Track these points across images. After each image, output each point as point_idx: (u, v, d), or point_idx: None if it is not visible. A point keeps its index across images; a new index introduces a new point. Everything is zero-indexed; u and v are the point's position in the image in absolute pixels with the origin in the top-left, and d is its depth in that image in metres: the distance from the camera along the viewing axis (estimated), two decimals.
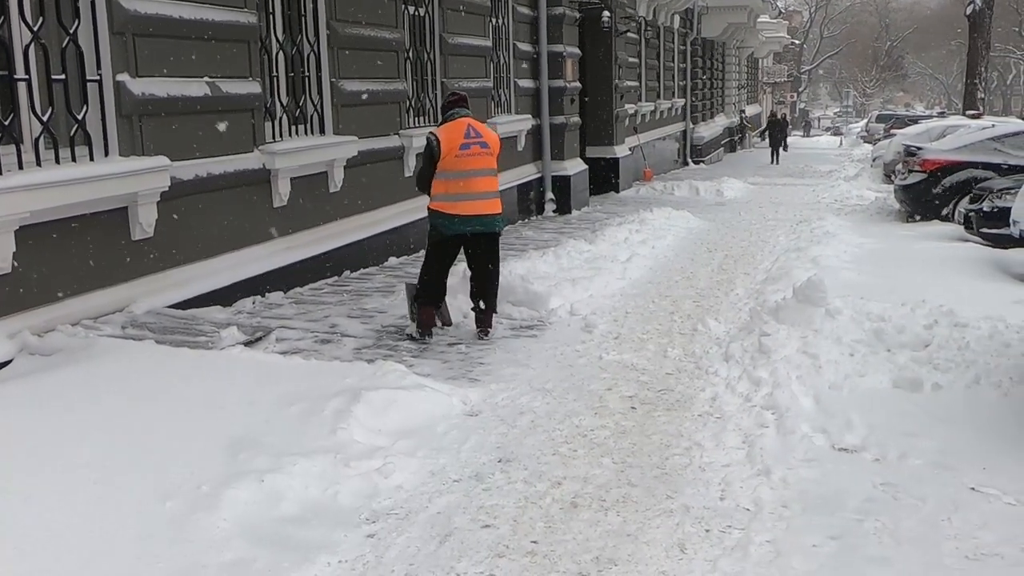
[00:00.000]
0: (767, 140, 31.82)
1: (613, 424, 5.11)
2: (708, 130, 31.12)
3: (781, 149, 31.00)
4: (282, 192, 8.29)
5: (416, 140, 10.62)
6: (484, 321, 6.92)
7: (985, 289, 8.18)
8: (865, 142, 41.44)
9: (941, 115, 37.30)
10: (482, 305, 6.91)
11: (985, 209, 11.58)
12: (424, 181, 6.84)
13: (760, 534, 3.78)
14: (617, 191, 18.13)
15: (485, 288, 6.91)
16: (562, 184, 15.28)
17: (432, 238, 6.87)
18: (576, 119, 16.00)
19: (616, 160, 18.18)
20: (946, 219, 13.60)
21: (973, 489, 4.23)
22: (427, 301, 6.83)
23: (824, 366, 5.84)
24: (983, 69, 28.14)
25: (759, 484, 4.26)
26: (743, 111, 41.29)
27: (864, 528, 3.85)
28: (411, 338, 6.76)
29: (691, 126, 28.79)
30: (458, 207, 6.68)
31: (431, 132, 6.82)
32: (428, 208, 6.86)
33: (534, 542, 3.74)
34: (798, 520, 3.92)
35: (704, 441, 4.84)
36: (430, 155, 6.71)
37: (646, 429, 5.04)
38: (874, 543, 3.73)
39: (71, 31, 6.18)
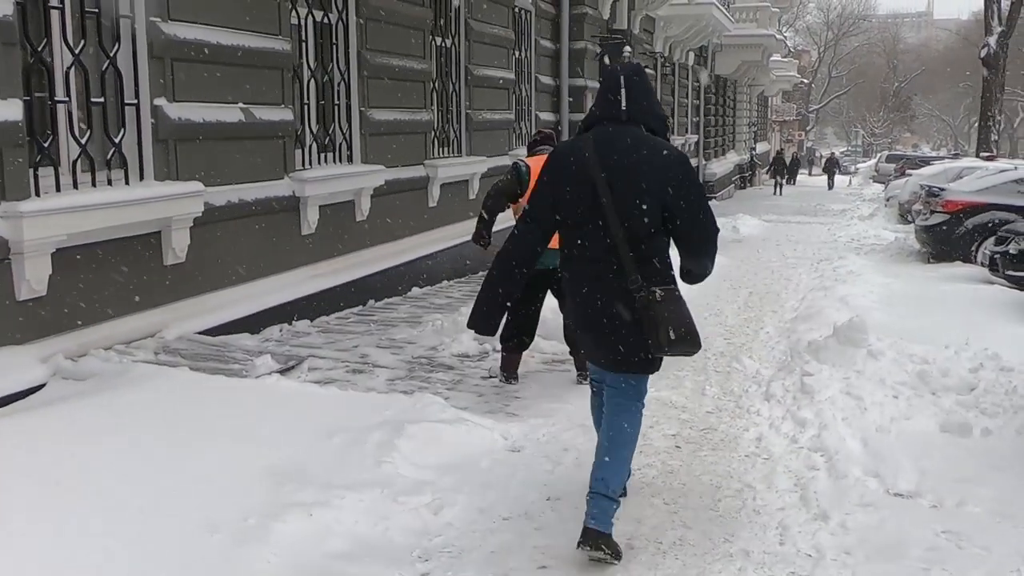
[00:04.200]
0: (771, 174, 37.11)
1: (660, 463, 4.99)
2: (720, 166, 31.19)
3: (786, 183, 36.73)
4: (311, 219, 8.23)
5: (440, 171, 10.63)
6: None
7: (1020, 333, 8.05)
8: (875, 182, 41.52)
9: (955, 156, 37.39)
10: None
11: (1011, 251, 11.49)
12: (497, 199, 6.34)
13: None
14: None
15: None
16: None
17: None
18: None
19: None
20: (967, 260, 13.52)
21: None
22: (514, 345, 6.44)
23: (869, 408, 5.73)
24: (995, 111, 28.12)
25: (818, 529, 4.14)
26: (753, 148, 41.47)
27: None
28: (493, 378, 6.52)
29: (703, 162, 28.83)
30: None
31: (520, 159, 6.43)
32: None
33: None
34: (862, 568, 3.79)
35: (755, 483, 4.72)
36: (516, 180, 6.24)
37: (694, 469, 4.92)
38: None
39: (111, 54, 6.15)
